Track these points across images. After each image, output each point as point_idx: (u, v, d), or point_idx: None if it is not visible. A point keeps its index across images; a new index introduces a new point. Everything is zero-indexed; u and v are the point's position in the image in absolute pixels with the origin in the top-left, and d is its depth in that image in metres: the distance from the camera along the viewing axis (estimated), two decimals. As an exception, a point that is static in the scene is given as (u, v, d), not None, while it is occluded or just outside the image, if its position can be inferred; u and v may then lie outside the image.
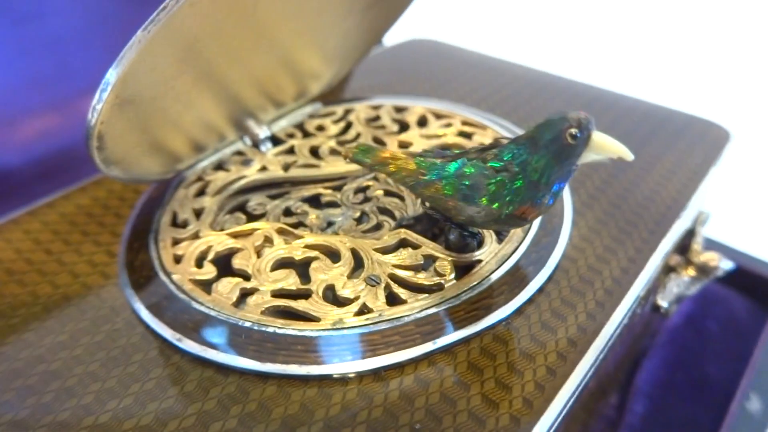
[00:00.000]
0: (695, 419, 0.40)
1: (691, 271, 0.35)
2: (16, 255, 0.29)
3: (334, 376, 0.24)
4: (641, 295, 0.30)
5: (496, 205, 0.24)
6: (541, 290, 0.28)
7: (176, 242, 0.29)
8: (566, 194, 0.33)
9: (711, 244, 0.50)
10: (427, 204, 0.29)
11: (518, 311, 0.27)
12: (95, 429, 0.22)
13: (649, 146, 0.38)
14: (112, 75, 0.21)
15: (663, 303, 0.32)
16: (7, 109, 0.48)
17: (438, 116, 0.39)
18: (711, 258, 0.35)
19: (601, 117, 0.41)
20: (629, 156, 0.23)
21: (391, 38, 0.55)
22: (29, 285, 0.28)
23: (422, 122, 0.39)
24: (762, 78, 0.90)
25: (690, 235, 0.38)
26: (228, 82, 0.32)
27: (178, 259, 0.28)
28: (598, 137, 0.23)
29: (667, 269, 0.36)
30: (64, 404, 0.23)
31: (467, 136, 0.37)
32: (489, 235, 0.29)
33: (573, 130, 0.23)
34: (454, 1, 1.11)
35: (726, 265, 0.35)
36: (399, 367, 0.24)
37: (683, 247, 0.37)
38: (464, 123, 0.38)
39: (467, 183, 0.25)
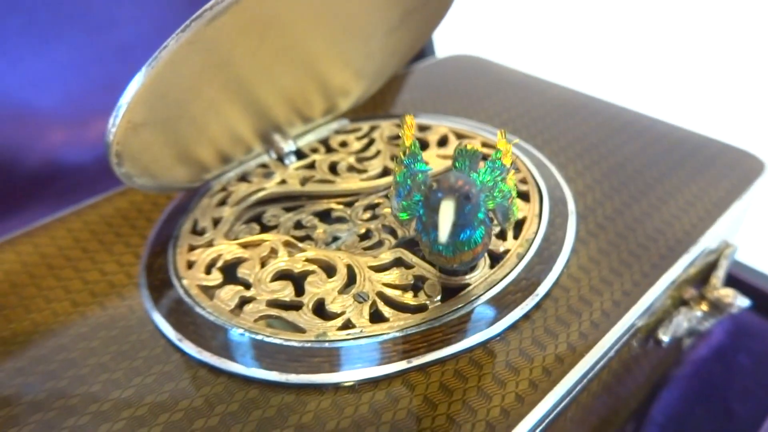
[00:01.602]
0: (712, 456, 0.39)
1: (704, 307, 0.34)
2: (57, 251, 0.33)
3: (311, 385, 0.26)
4: (639, 327, 0.30)
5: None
6: (526, 317, 0.28)
7: (192, 249, 0.32)
8: (571, 222, 0.33)
9: (757, 276, 0.48)
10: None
11: (499, 336, 0.27)
12: (98, 415, 0.25)
13: (674, 175, 0.37)
14: (123, 101, 0.24)
15: (664, 338, 0.32)
16: (81, 111, 0.53)
17: (460, 136, 0.40)
18: (726, 294, 0.34)
19: (632, 142, 0.40)
20: (440, 239, 0.23)
21: (445, 51, 0.56)
22: (64, 280, 0.31)
23: (443, 142, 0.40)
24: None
25: (713, 267, 0.37)
26: (258, 99, 0.34)
27: (190, 265, 0.31)
28: (443, 208, 0.23)
29: (681, 302, 0.35)
30: (75, 390, 0.26)
31: (484, 158, 0.38)
32: (483, 260, 0.30)
33: (430, 184, 0.24)
34: (514, 20, 1.11)
35: (743, 302, 0.33)
36: (373, 382, 0.26)
37: (704, 280, 0.36)
38: (484, 144, 0.39)
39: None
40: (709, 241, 0.33)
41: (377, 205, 0.35)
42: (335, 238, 0.33)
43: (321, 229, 0.33)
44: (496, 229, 0.32)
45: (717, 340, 0.45)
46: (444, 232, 0.22)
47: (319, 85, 0.38)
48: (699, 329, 0.34)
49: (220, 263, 0.31)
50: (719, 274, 0.35)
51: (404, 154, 0.28)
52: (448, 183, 0.23)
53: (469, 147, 0.28)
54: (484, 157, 0.33)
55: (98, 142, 0.53)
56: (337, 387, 0.26)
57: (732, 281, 0.47)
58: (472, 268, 0.30)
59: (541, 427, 0.25)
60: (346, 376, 0.26)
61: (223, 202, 0.35)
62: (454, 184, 0.23)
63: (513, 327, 0.28)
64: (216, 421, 0.25)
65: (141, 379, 0.26)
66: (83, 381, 0.26)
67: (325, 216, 0.35)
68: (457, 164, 0.29)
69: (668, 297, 0.32)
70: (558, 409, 0.26)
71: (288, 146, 0.38)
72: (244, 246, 0.32)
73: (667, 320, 0.33)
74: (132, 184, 0.30)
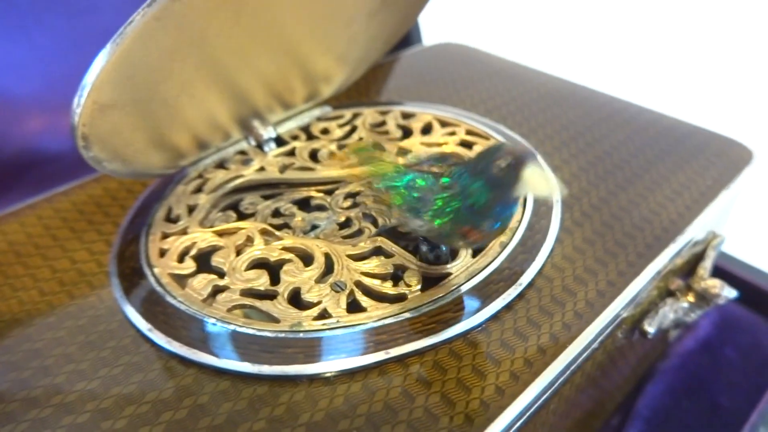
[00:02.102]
0: (697, 450, 0.38)
1: (690, 298, 0.33)
2: (26, 239, 0.32)
3: (285, 377, 0.25)
4: (624, 318, 0.30)
5: (438, 221, 0.24)
6: (509, 307, 0.28)
7: (165, 236, 0.31)
8: (556, 211, 0.32)
9: (745, 268, 0.48)
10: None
11: (480, 327, 0.27)
12: (60, 408, 0.24)
13: (661, 164, 0.37)
14: (87, 80, 0.23)
15: (649, 329, 0.31)
16: (61, 98, 0.52)
17: (444, 124, 0.39)
18: (713, 285, 0.33)
19: (619, 130, 0.40)
20: (552, 197, 0.22)
21: (432, 40, 0.55)
22: (32, 268, 0.30)
23: (426, 130, 0.39)
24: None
25: (700, 258, 0.36)
26: (235, 82, 0.33)
27: (162, 253, 0.30)
28: (530, 174, 0.22)
29: (667, 293, 0.34)
30: (39, 381, 0.25)
31: (468, 145, 0.37)
32: (464, 249, 0.30)
33: (500, 162, 0.22)
34: (503, 9, 1.10)
35: (729, 293, 0.33)
36: (349, 374, 0.25)
37: (690, 271, 0.36)
38: (468, 132, 0.38)
39: (415, 195, 0.25)
40: (696, 230, 0.32)
41: (357, 193, 0.34)
42: (314, 227, 0.32)
43: (299, 217, 0.32)
44: None
45: (704, 333, 0.44)
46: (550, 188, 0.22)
47: (300, 70, 0.36)
48: (685, 321, 0.34)
49: (193, 251, 0.30)
50: (706, 265, 0.35)
51: (383, 178, 0.27)
52: (521, 149, 0.22)
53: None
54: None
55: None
56: (311, 379, 0.25)
57: (719, 273, 0.46)
58: (454, 257, 0.29)
59: (522, 420, 0.24)
60: (321, 367, 0.25)
61: (199, 189, 0.34)
62: (525, 149, 0.22)
63: (495, 317, 0.27)
64: (184, 414, 0.24)
65: (108, 371, 0.25)
66: (47, 372, 0.25)
67: (304, 204, 0.34)
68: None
69: (654, 288, 0.31)
70: (540, 401, 0.25)
71: (268, 133, 0.37)
72: (220, 234, 0.31)
73: (652, 311, 0.32)
74: (102, 170, 0.29)
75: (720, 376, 0.42)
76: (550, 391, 0.26)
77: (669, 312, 0.33)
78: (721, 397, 0.41)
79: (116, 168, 0.30)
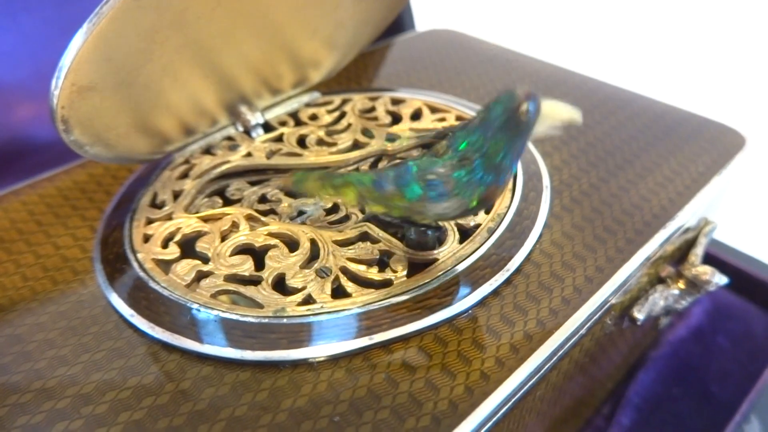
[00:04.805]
0: (688, 438, 0.38)
1: (681, 284, 0.33)
2: (9, 224, 0.32)
3: (268, 362, 0.24)
4: (613, 305, 0.29)
5: (467, 195, 0.24)
6: (496, 293, 0.27)
7: (149, 222, 0.31)
8: (546, 196, 0.32)
9: (737, 256, 0.48)
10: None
11: (467, 313, 0.26)
12: (41, 393, 0.24)
13: (653, 149, 0.36)
14: (65, 61, 0.22)
15: (639, 315, 0.31)
16: (49, 87, 0.51)
17: (434, 110, 0.39)
18: (704, 272, 0.33)
19: (612, 116, 0.39)
20: (578, 118, 0.22)
21: (425, 26, 0.55)
22: (15, 253, 0.30)
23: (416, 116, 0.38)
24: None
25: (691, 245, 0.36)
26: (219, 67, 0.32)
27: (147, 239, 0.29)
28: (548, 106, 0.22)
29: (657, 280, 0.34)
30: (19, 367, 0.25)
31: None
32: (452, 234, 0.29)
33: (524, 107, 0.22)
34: None
35: (720, 280, 0.33)
36: (333, 360, 0.25)
37: (682, 257, 0.36)
38: (458, 118, 0.38)
39: (432, 178, 0.24)
40: (687, 216, 0.32)
41: (346, 179, 0.33)
42: (300, 213, 0.32)
43: (286, 203, 0.32)
44: None
45: (696, 321, 0.44)
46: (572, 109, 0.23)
47: (287, 55, 0.36)
48: (676, 308, 0.34)
49: (178, 237, 0.29)
50: (698, 252, 0.34)
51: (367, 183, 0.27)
52: (527, 92, 0.22)
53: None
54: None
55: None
56: (295, 364, 0.24)
57: (711, 260, 0.46)
58: (440, 243, 0.29)
59: (508, 406, 0.24)
60: (305, 353, 0.24)
61: (185, 175, 0.34)
62: (530, 91, 0.22)
63: (481, 303, 0.27)
64: (166, 399, 0.23)
65: (89, 356, 0.25)
66: (28, 357, 0.25)
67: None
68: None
69: (644, 275, 0.31)
70: (526, 387, 0.25)
71: (255, 119, 0.36)
72: (205, 220, 0.30)
73: (642, 298, 0.32)
74: (85, 154, 0.29)
75: (712, 364, 0.42)
76: (536, 377, 0.25)
77: (659, 299, 0.33)
78: (712, 385, 0.41)
79: (99, 152, 0.30)
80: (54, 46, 0.50)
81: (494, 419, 0.24)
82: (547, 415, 0.31)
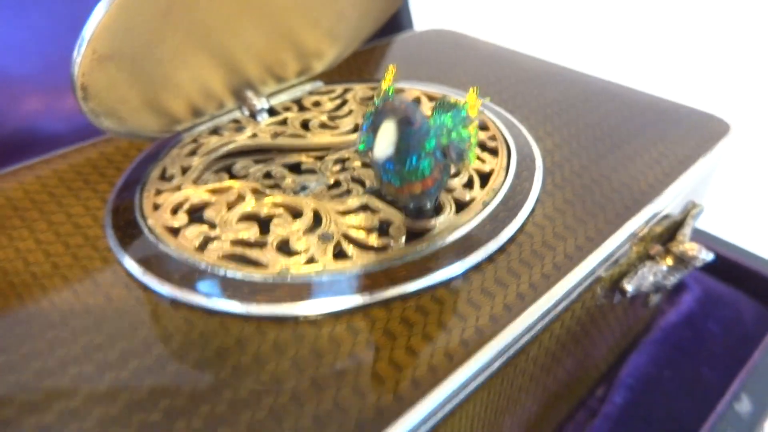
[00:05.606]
0: (679, 416, 0.39)
1: (669, 261, 0.34)
2: (23, 195, 0.33)
3: (272, 317, 0.26)
4: (602, 277, 0.31)
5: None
6: (490, 259, 0.29)
7: (159, 192, 0.32)
8: (538, 175, 0.34)
9: (725, 246, 0.49)
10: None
11: (462, 276, 0.28)
12: (54, 341, 0.25)
13: (642, 136, 0.38)
14: (87, 30, 0.24)
15: (628, 287, 0.32)
16: (58, 80, 0.52)
17: (432, 99, 0.40)
18: (690, 248, 0.34)
19: (602, 106, 0.41)
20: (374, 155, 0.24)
21: (423, 26, 0.57)
22: (28, 220, 0.31)
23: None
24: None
25: (679, 226, 0.37)
26: (227, 52, 0.34)
27: (156, 207, 0.31)
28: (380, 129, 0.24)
29: (647, 257, 0.35)
30: (34, 320, 0.26)
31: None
32: (448, 205, 0.31)
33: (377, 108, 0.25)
34: None
35: (706, 255, 0.34)
36: (334, 316, 0.26)
37: (670, 237, 0.37)
38: (456, 105, 0.39)
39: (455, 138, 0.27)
40: (674, 193, 0.34)
41: (347, 159, 0.35)
42: (304, 188, 0.33)
43: (290, 179, 0.33)
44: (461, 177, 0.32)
45: (687, 308, 0.45)
46: (378, 149, 0.23)
47: (291, 44, 0.38)
48: (665, 284, 0.35)
49: (186, 206, 0.31)
50: (685, 232, 0.36)
51: (378, 96, 0.29)
52: (391, 105, 0.23)
53: (452, 100, 0.29)
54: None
55: (74, 112, 0.53)
56: (297, 319, 0.26)
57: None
58: (437, 212, 0.30)
59: (502, 359, 0.25)
60: (307, 308, 0.26)
61: (193, 153, 0.35)
62: (397, 107, 0.23)
63: (476, 267, 0.28)
64: (175, 347, 0.24)
65: (101, 311, 0.26)
66: (41, 313, 0.26)
67: (295, 168, 0.35)
68: (434, 114, 0.29)
69: (634, 252, 0.33)
70: (519, 344, 0.26)
71: (261, 104, 0.38)
72: (212, 191, 0.32)
73: (632, 272, 0.33)
74: (99, 125, 0.30)
75: (702, 348, 0.43)
76: (529, 335, 0.26)
77: (648, 273, 0.34)
78: (703, 368, 0.42)
79: (112, 125, 0.31)
80: (62, 41, 0.52)
81: (488, 371, 0.25)
82: (540, 383, 0.32)
